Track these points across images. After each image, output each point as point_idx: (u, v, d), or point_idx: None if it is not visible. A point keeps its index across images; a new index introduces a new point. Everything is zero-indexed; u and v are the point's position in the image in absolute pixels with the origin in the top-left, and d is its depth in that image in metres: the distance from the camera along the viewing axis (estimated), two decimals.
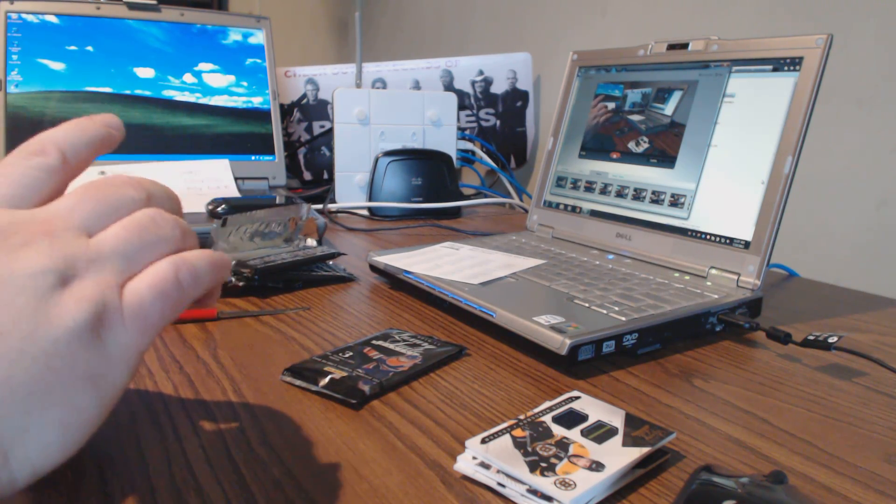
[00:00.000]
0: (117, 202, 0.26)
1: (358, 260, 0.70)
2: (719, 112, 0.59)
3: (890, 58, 0.74)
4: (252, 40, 1.05)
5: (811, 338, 0.44)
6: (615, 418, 0.33)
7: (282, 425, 0.34)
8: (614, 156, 0.68)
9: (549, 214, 0.74)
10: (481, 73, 1.24)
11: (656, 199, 0.62)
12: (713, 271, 0.55)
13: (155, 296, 0.25)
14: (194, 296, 0.26)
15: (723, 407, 0.38)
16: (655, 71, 0.66)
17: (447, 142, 1.05)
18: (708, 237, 0.57)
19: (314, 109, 1.21)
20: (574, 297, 0.50)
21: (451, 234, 0.85)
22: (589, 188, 0.70)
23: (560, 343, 0.41)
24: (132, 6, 0.98)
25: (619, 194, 0.66)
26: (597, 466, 0.29)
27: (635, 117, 0.67)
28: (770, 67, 0.56)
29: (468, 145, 1.20)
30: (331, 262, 0.64)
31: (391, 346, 0.44)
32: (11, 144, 0.91)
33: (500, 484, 0.29)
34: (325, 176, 1.21)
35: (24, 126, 0.92)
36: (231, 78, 1.04)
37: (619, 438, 0.31)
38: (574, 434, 0.31)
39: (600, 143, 0.70)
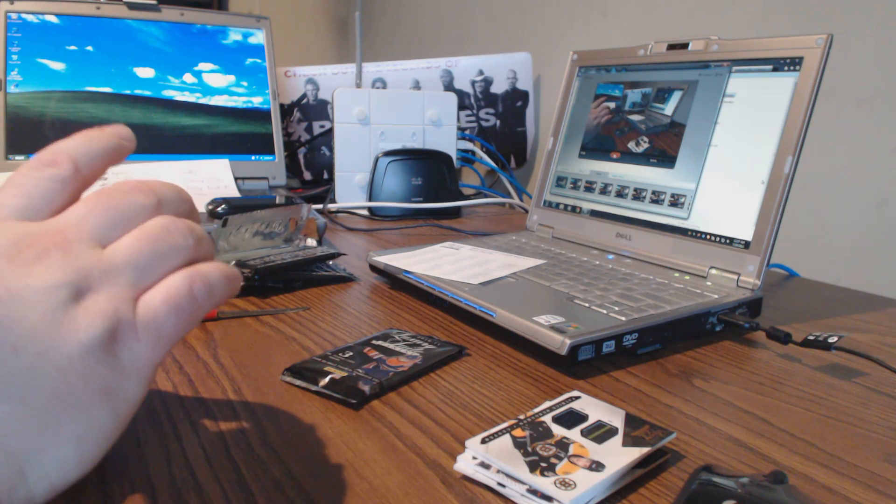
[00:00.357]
0: (128, 210, 0.26)
1: (358, 260, 0.70)
2: (719, 112, 0.59)
3: (890, 58, 0.74)
4: (252, 40, 1.05)
5: (811, 338, 0.44)
6: (615, 418, 0.33)
7: (282, 425, 0.34)
8: (614, 156, 0.68)
9: (549, 214, 0.74)
10: (481, 73, 1.25)
11: (656, 199, 0.62)
12: (713, 271, 0.55)
13: (169, 310, 0.24)
14: (208, 309, 0.26)
15: (723, 407, 0.38)
16: (655, 71, 0.66)
17: (447, 142, 1.05)
18: (708, 237, 0.57)
19: (314, 109, 1.21)
20: (574, 297, 0.50)
21: (451, 234, 0.85)
22: (589, 188, 0.70)
23: (560, 343, 0.41)
24: (132, 6, 0.98)
25: (619, 194, 0.66)
26: (597, 466, 0.29)
27: (635, 117, 0.67)
28: (770, 67, 0.56)
29: (468, 145, 1.20)
30: (331, 262, 0.64)
31: (391, 346, 0.44)
32: (11, 144, 0.91)
33: (500, 484, 0.29)
34: (325, 176, 1.21)
35: (24, 126, 0.92)
36: (231, 78, 1.04)
37: (619, 438, 0.31)
38: (574, 434, 0.31)
39: (600, 143, 0.70)
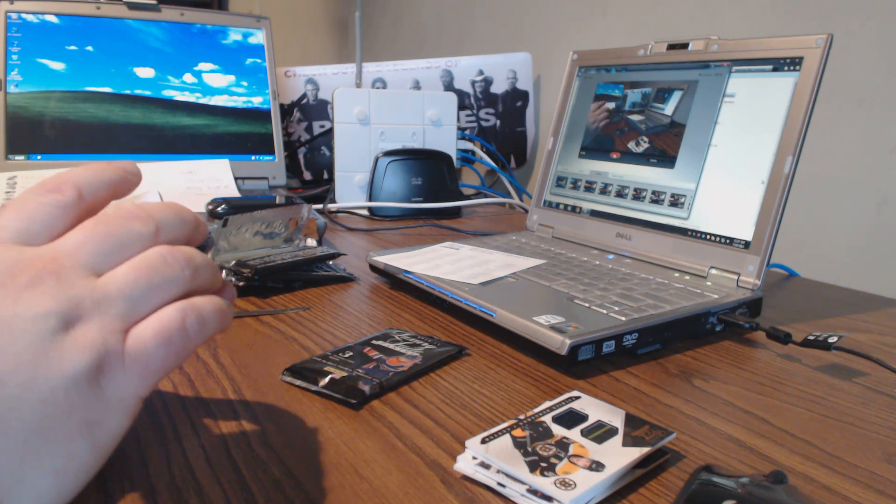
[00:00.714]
0: (125, 238, 0.25)
1: (358, 260, 0.70)
2: (719, 112, 0.59)
3: (890, 58, 0.74)
4: (252, 40, 1.05)
5: (811, 338, 0.44)
6: (615, 418, 0.33)
7: (282, 425, 0.34)
8: (614, 156, 0.68)
9: (549, 214, 0.74)
10: (481, 73, 1.25)
11: (656, 199, 0.62)
12: (713, 271, 0.56)
13: (159, 342, 0.24)
14: (199, 343, 0.26)
15: (723, 407, 0.38)
16: (655, 71, 0.66)
17: (447, 142, 1.05)
18: (708, 237, 0.57)
19: (314, 109, 1.21)
20: (574, 297, 0.50)
21: (451, 234, 0.85)
22: (589, 188, 0.70)
23: (560, 343, 0.41)
24: (132, 6, 0.98)
25: (619, 194, 0.66)
26: (597, 466, 0.29)
27: (635, 117, 0.67)
28: (770, 67, 0.56)
29: (468, 145, 1.20)
30: (331, 262, 0.64)
31: (391, 346, 0.44)
32: (11, 144, 0.91)
33: (500, 484, 0.29)
34: (325, 176, 1.21)
35: (24, 126, 0.92)
36: (231, 78, 1.04)
37: (619, 438, 0.31)
38: (574, 434, 0.31)
39: (600, 143, 0.70)
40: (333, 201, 1.00)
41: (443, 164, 1.00)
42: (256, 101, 1.05)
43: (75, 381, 0.22)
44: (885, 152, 0.75)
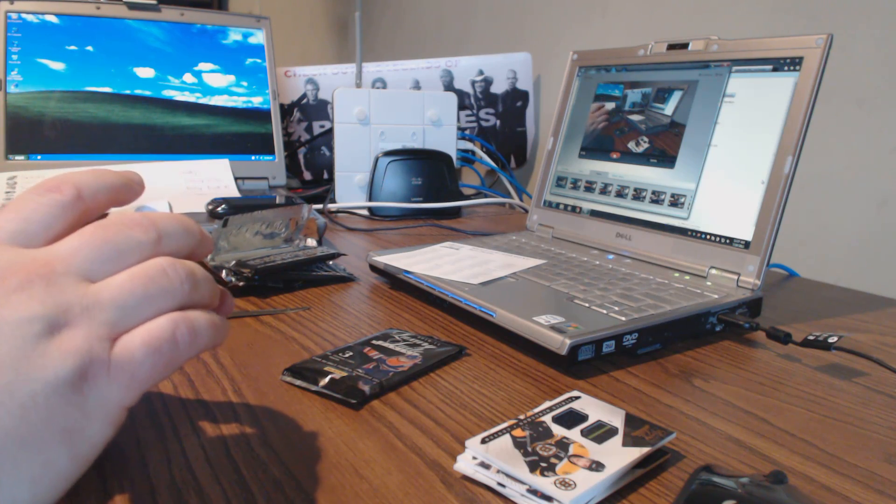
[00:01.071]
0: (124, 246, 0.25)
1: (358, 260, 0.70)
2: (719, 112, 0.59)
3: (890, 58, 0.74)
4: (252, 40, 1.05)
5: (811, 338, 0.44)
6: (615, 418, 0.33)
7: (282, 425, 0.34)
8: (614, 156, 0.68)
9: (549, 214, 0.74)
10: (481, 73, 1.25)
11: (656, 199, 0.62)
12: (713, 271, 0.56)
13: (147, 352, 0.24)
14: (189, 357, 0.25)
15: (723, 407, 0.38)
16: (655, 71, 0.66)
17: (447, 142, 1.05)
18: (708, 237, 0.57)
19: (314, 109, 1.21)
20: (574, 297, 0.50)
21: (451, 234, 0.85)
22: (589, 188, 0.70)
23: (560, 343, 0.41)
24: (132, 6, 0.98)
25: (619, 194, 0.66)
26: (597, 466, 0.29)
27: (635, 117, 0.67)
28: (770, 67, 0.56)
29: (468, 145, 1.20)
30: (331, 262, 0.64)
31: (391, 346, 0.44)
32: (11, 144, 0.91)
33: (500, 484, 0.29)
34: (325, 176, 1.21)
35: (24, 126, 0.92)
36: (231, 78, 1.04)
37: (619, 438, 0.31)
38: (574, 434, 0.31)
39: (600, 143, 0.70)
40: (333, 201, 1.00)
41: (443, 164, 1.00)
42: (256, 101, 1.05)
43: (57, 387, 0.22)
44: (885, 152, 0.75)
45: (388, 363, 0.41)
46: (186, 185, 0.91)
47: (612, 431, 0.32)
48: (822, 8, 0.80)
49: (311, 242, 0.68)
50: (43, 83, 0.93)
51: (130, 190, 0.29)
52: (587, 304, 0.48)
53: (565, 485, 0.27)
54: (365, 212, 0.99)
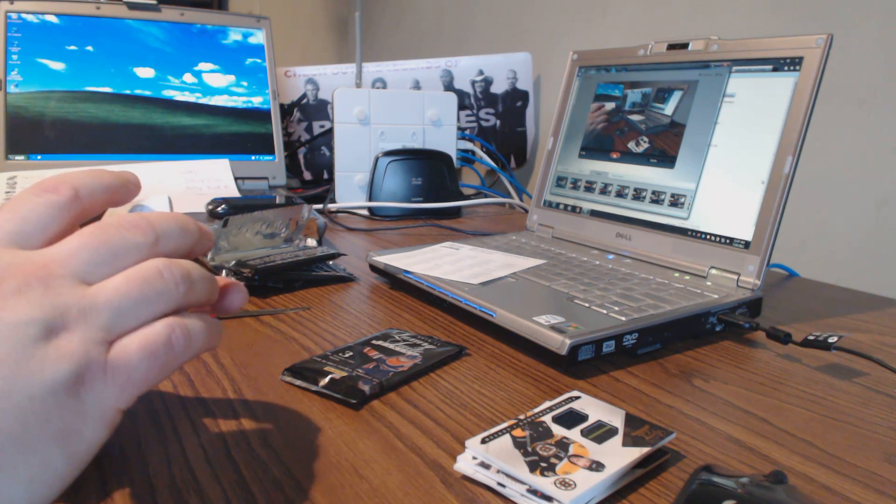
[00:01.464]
0: (121, 248, 0.25)
1: (358, 260, 0.70)
2: (719, 112, 0.59)
3: (890, 58, 0.74)
4: (252, 40, 1.05)
5: (811, 338, 0.44)
6: (615, 418, 0.33)
7: (282, 425, 0.34)
8: (614, 156, 0.68)
9: (549, 214, 0.74)
10: (481, 73, 1.25)
11: (656, 199, 0.62)
12: (713, 271, 0.56)
13: (143, 356, 0.24)
14: (184, 360, 0.26)
15: (723, 407, 0.38)
16: (655, 71, 0.66)
17: (447, 142, 1.05)
18: (708, 237, 0.57)
19: (314, 109, 1.21)
20: (574, 297, 0.50)
21: (451, 234, 0.85)
22: (589, 188, 0.70)
23: (560, 343, 0.41)
24: (132, 6, 0.98)
25: (619, 194, 0.66)
26: (597, 466, 0.29)
27: (635, 117, 0.67)
28: (770, 67, 0.56)
29: (468, 145, 1.20)
30: (331, 262, 0.64)
31: (391, 346, 0.44)
32: (11, 144, 0.91)
33: (500, 484, 0.29)
34: (325, 176, 1.21)
35: (24, 126, 0.92)
36: (231, 78, 1.04)
37: (619, 438, 0.31)
38: (574, 434, 0.31)
39: (600, 143, 0.70)
40: (333, 201, 1.00)
41: (443, 164, 1.00)
42: (256, 101, 1.05)
43: (54, 390, 0.22)
44: (885, 152, 0.75)
45: (388, 363, 0.41)
46: (186, 185, 0.91)
47: (612, 431, 0.32)
48: (822, 8, 0.80)
49: (311, 242, 0.68)
50: (43, 83, 0.93)
51: (127, 190, 0.29)
52: (587, 304, 0.48)
53: (565, 485, 0.27)
54: (365, 212, 0.99)
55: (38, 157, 0.92)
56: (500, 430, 0.31)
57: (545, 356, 0.43)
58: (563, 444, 0.30)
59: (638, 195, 0.64)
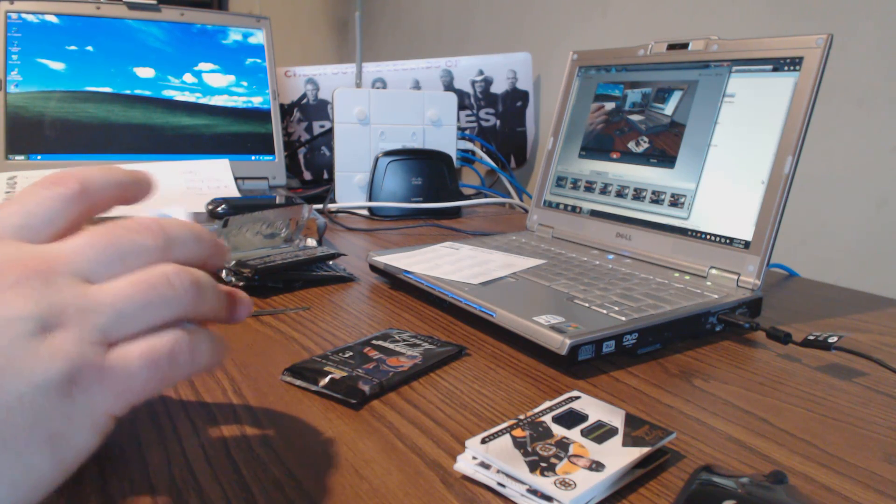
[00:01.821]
0: (130, 249, 0.24)
1: (358, 260, 0.70)
2: (719, 112, 0.59)
3: (890, 58, 0.74)
4: (252, 40, 1.05)
5: (811, 338, 0.44)
6: (615, 418, 0.33)
7: (282, 425, 0.34)
8: (614, 156, 0.68)
9: (549, 214, 0.74)
10: (481, 73, 1.25)
11: (656, 199, 0.62)
12: (713, 271, 0.56)
13: (144, 364, 0.23)
14: (185, 375, 0.25)
15: (723, 407, 0.38)
16: (655, 71, 0.66)
17: (447, 142, 1.05)
18: (708, 237, 0.57)
19: (314, 109, 1.21)
20: (574, 297, 0.50)
21: (451, 234, 0.85)
22: (589, 188, 0.70)
23: (560, 343, 0.41)
24: (132, 6, 0.98)
25: (619, 194, 0.66)
26: (597, 466, 0.29)
27: (635, 117, 0.67)
28: (770, 67, 0.56)
29: (468, 145, 1.20)
30: (331, 262, 0.64)
31: (391, 346, 0.44)
32: (11, 144, 0.91)
33: (500, 484, 0.29)
34: (325, 176, 1.21)
35: (24, 126, 0.92)
36: (231, 78, 1.04)
37: (619, 438, 0.31)
38: (574, 434, 0.31)
39: (600, 143, 0.70)
40: (333, 201, 1.00)
41: (443, 164, 1.00)
42: (256, 101, 1.05)
43: (45, 389, 0.21)
44: (885, 152, 0.75)
45: (388, 363, 0.41)
46: (186, 185, 0.91)
47: (612, 431, 0.32)
48: (822, 8, 0.80)
49: (311, 242, 0.68)
50: (43, 83, 0.93)
51: (139, 188, 0.28)
52: (587, 304, 0.48)
53: (565, 485, 0.27)
54: (365, 212, 0.99)
55: (38, 157, 0.92)
56: (500, 430, 0.31)
57: (545, 356, 0.43)
58: (563, 444, 0.30)
59: (638, 195, 0.64)
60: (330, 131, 1.09)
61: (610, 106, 0.70)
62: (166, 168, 0.92)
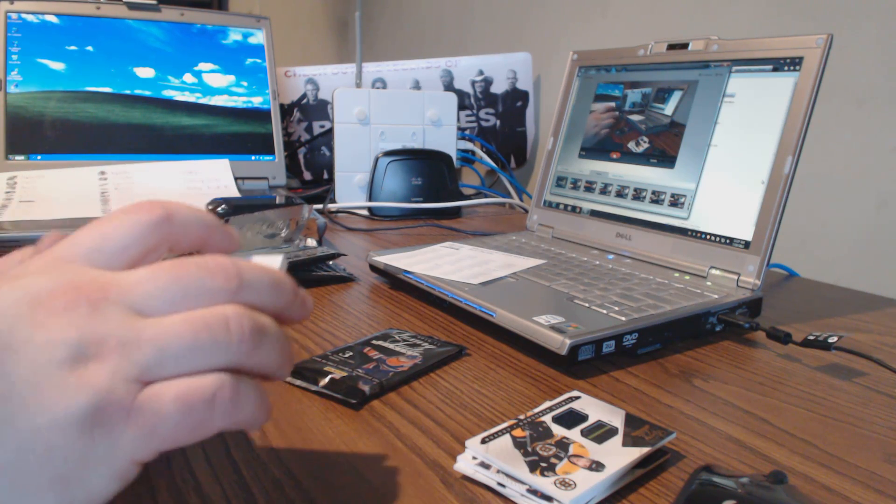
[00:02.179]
0: (194, 288, 0.22)
1: (358, 260, 0.70)
2: (719, 112, 0.59)
3: (890, 58, 0.74)
4: (252, 40, 1.05)
5: (811, 338, 0.44)
6: (615, 418, 0.33)
7: (282, 425, 0.34)
8: (614, 156, 0.68)
9: (549, 214, 0.74)
10: (481, 73, 1.25)
11: (656, 199, 0.62)
12: (713, 271, 0.55)
13: (177, 408, 0.20)
14: (222, 426, 0.22)
15: (723, 407, 0.38)
16: (655, 71, 0.66)
17: (447, 142, 1.05)
18: (708, 237, 0.57)
19: (314, 109, 1.21)
20: (574, 297, 0.50)
21: (451, 234, 0.85)
22: (589, 188, 0.70)
23: (560, 343, 0.41)
24: (132, 6, 0.98)
25: (619, 194, 0.66)
26: (597, 466, 0.29)
27: (635, 117, 0.67)
28: (770, 67, 0.56)
29: (468, 145, 1.20)
30: (331, 262, 0.64)
31: (391, 346, 0.44)
32: (11, 144, 0.91)
33: (500, 484, 0.29)
34: (325, 176, 1.21)
35: (24, 126, 0.92)
36: (231, 78, 1.04)
37: (619, 438, 0.31)
38: (574, 434, 0.31)
39: (600, 143, 0.70)
40: (333, 201, 1.00)
41: (443, 164, 1.00)
42: (256, 101, 1.05)
43: (64, 425, 0.19)
44: (885, 152, 0.75)
45: (388, 363, 0.41)
46: (186, 185, 0.91)
47: (612, 431, 0.32)
48: (822, 8, 0.80)
49: (311, 242, 0.68)
50: (43, 83, 0.93)
51: (224, 238, 0.26)
52: (587, 304, 0.48)
53: (565, 485, 0.27)
54: (365, 212, 0.99)
55: (38, 157, 0.92)
56: (500, 430, 0.31)
57: (545, 356, 0.43)
58: (563, 444, 0.30)
59: (638, 195, 0.64)
60: (330, 131, 1.09)
61: (610, 106, 0.70)
62: (166, 168, 0.92)
